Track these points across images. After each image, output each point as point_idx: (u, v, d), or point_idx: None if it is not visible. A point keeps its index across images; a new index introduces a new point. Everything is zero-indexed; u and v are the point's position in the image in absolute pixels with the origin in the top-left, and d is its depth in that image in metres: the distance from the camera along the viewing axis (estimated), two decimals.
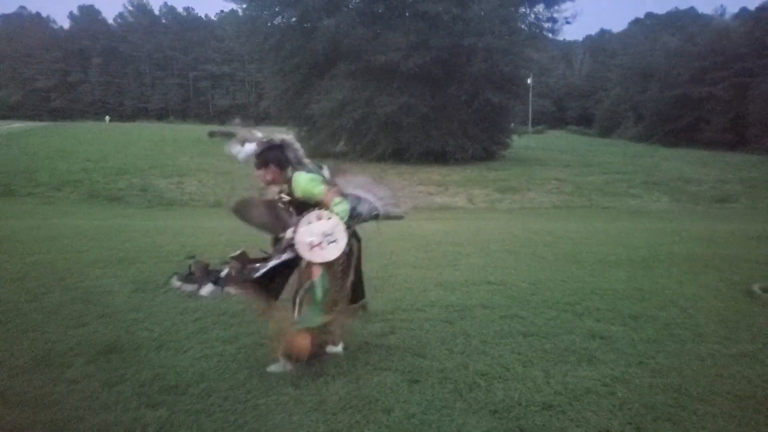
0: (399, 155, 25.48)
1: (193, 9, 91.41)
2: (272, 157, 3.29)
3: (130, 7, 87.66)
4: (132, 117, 72.16)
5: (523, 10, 28.44)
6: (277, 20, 28.40)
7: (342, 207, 3.17)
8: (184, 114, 77.97)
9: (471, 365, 3.33)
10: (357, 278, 3.43)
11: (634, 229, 10.59)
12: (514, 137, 30.81)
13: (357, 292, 3.47)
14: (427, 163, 24.61)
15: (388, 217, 3.45)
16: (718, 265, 6.37)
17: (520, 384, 3.09)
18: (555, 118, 69.09)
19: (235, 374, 3.17)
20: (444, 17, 24.00)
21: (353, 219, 3.29)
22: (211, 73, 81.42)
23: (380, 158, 25.26)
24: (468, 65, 25.13)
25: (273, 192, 3.37)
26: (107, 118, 64.58)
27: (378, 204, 3.39)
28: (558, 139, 47.56)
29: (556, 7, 27.79)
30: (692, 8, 73.08)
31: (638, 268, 6.25)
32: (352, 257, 3.31)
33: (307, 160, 3.35)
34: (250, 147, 3.29)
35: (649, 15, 79.95)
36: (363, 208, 3.36)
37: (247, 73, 76.90)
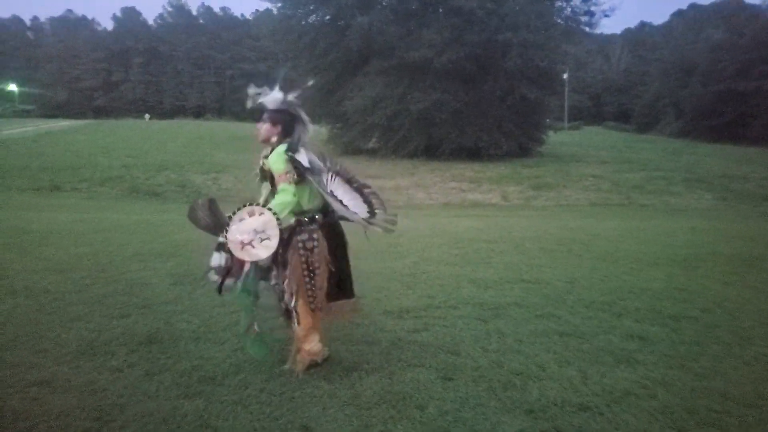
0: (431, 151, 25.39)
1: (229, 9, 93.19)
2: (285, 119, 3.16)
3: (169, 8, 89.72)
4: (170, 114, 73.84)
5: (560, 3, 27.96)
6: (311, 18, 28.67)
7: (282, 198, 2.98)
8: (220, 111, 79.37)
9: (506, 364, 3.30)
10: (344, 275, 3.28)
11: (675, 227, 10.30)
12: (550, 133, 30.32)
13: (343, 290, 3.29)
14: (460, 160, 24.43)
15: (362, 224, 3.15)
16: (766, 266, 6.14)
17: (556, 384, 3.05)
18: (591, 113, 67.69)
19: (271, 367, 3.21)
20: (478, 13, 23.77)
21: (329, 214, 3.15)
22: (247, 71, 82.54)
23: (412, 155, 25.22)
24: (503, 60, 24.81)
25: (263, 148, 3.24)
26: (147, 115, 66.39)
27: (340, 208, 3.10)
28: (595, 135, 46.58)
29: (593, 0, 27.22)
30: None
31: (679, 267, 6.08)
32: (314, 254, 3.09)
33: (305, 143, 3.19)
34: (277, 95, 3.18)
35: (692, 6, 77.13)
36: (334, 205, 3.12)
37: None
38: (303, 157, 3.07)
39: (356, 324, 3.97)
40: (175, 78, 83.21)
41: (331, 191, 3.18)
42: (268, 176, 3.16)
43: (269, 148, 3.17)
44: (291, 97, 3.21)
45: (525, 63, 24.47)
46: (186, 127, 41.84)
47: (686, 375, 3.19)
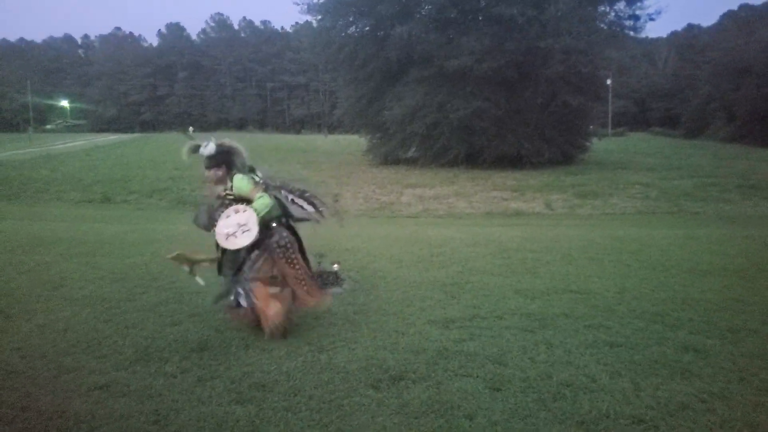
0: (472, 160, 25.23)
1: (269, 22, 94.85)
2: (224, 159, 3.95)
3: (211, 23, 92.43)
4: (214, 127, 75.85)
5: (603, 8, 27.36)
6: (351, 30, 28.93)
7: (262, 201, 3.73)
8: (262, 123, 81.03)
9: (555, 375, 3.25)
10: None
11: (729, 236, 9.89)
12: (594, 140, 29.71)
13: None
14: (502, 168, 24.19)
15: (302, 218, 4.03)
16: None
17: (608, 396, 2.98)
18: (637, 119, 66.11)
19: (319, 374, 3.26)
20: (519, 20, 23.57)
21: (288, 217, 3.96)
22: (287, 84, 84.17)
23: (452, 163, 25.12)
24: (544, 67, 24.49)
25: (218, 189, 3.97)
26: (191, 128, 68.31)
27: (300, 212, 3.97)
28: (640, 141, 45.39)
29: (638, 4, 26.54)
30: None
31: (735, 277, 5.84)
32: (291, 249, 3.87)
33: (247, 164, 3.99)
34: (212, 145, 3.94)
35: (743, 6, 74.04)
36: (293, 209, 3.96)
37: (322, 82, 78.89)
38: (260, 174, 3.96)
39: (401, 333, 3.99)
40: (218, 91, 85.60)
41: (291, 198, 3.99)
42: (243, 200, 3.83)
43: (226, 185, 3.91)
44: (219, 139, 4.00)
45: (567, 69, 24.09)
46: (229, 139, 42.79)
47: (747, 389, 3.07)
